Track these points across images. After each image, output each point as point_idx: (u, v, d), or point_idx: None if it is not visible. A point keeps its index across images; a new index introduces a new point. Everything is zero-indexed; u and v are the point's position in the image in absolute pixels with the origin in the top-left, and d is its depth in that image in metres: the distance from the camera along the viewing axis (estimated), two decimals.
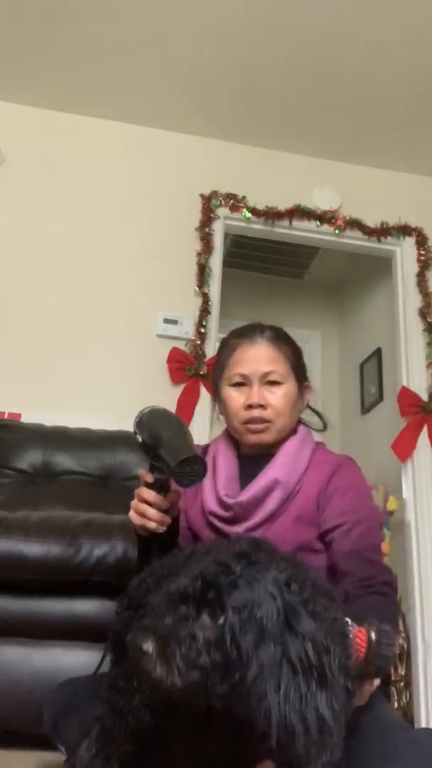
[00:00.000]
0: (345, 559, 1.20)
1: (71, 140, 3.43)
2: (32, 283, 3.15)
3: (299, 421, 1.43)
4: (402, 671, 3.12)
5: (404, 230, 3.61)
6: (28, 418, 2.83)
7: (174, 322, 3.21)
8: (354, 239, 3.60)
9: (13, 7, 2.90)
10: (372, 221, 3.59)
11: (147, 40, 3.02)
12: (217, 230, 3.42)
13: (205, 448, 1.45)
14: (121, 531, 1.74)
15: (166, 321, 3.21)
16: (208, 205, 3.42)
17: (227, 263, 3.75)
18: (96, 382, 3.04)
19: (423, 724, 2.89)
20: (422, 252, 3.60)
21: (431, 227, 3.65)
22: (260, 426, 1.34)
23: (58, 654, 1.68)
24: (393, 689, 3.08)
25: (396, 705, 3.05)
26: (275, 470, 1.31)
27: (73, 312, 3.14)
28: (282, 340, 1.40)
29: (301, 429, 1.41)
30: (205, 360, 3.15)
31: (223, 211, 3.45)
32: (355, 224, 3.56)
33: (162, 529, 1.15)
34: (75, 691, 1.23)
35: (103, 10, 2.88)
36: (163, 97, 3.35)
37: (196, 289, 3.29)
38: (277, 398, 1.34)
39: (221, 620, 0.74)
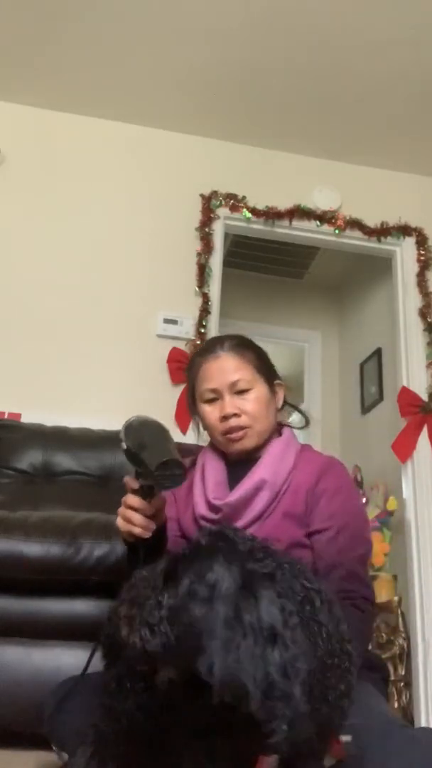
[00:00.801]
0: (328, 569, 1.22)
1: (71, 140, 3.43)
2: (32, 283, 3.15)
3: (282, 424, 1.47)
4: (402, 671, 3.12)
5: (404, 230, 3.61)
6: (28, 418, 2.83)
7: (174, 322, 3.21)
8: (354, 239, 3.61)
9: (13, 7, 2.90)
10: (372, 221, 3.59)
11: (147, 40, 3.02)
12: (217, 230, 3.42)
13: (194, 459, 1.48)
14: None
15: (166, 321, 3.21)
16: (208, 205, 3.42)
17: (227, 263, 3.75)
18: (96, 382, 3.04)
19: (423, 724, 2.89)
20: (422, 252, 3.60)
21: (431, 227, 3.66)
22: (240, 433, 1.36)
23: (58, 654, 1.68)
24: (393, 689, 3.08)
25: (396, 705, 3.05)
26: (262, 471, 1.33)
27: (73, 312, 3.14)
28: (243, 346, 1.43)
29: (286, 431, 1.44)
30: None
31: (223, 211, 3.46)
32: (355, 224, 3.56)
33: (147, 534, 1.17)
34: (73, 692, 1.23)
35: (103, 10, 2.88)
36: (163, 97, 3.36)
37: (196, 289, 3.29)
38: (250, 404, 1.37)
39: (179, 588, 0.79)
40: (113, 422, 2.64)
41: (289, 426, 1.48)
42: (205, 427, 1.43)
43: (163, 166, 3.49)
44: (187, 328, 3.21)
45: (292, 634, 0.76)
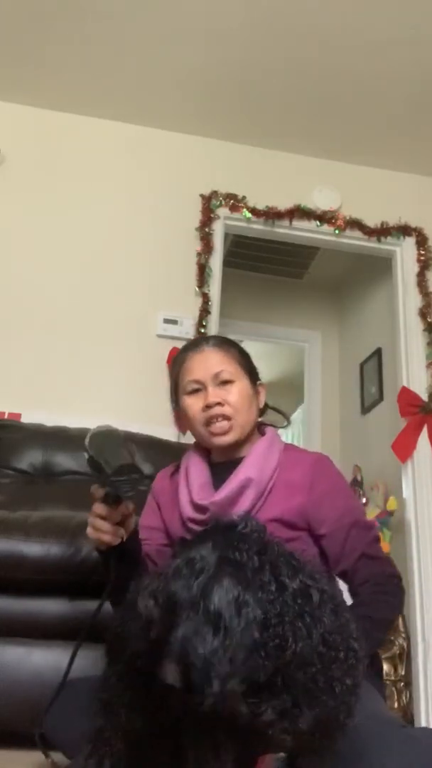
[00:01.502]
0: (355, 563, 1.27)
1: (71, 140, 3.43)
2: (32, 283, 3.15)
3: (265, 424, 1.49)
4: (402, 671, 3.12)
5: (404, 230, 3.61)
6: (28, 418, 2.83)
7: (174, 322, 3.21)
8: (354, 239, 3.61)
9: (13, 7, 2.90)
10: (372, 221, 3.59)
11: (147, 40, 3.02)
12: (217, 230, 3.42)
13: (178, 464, 1.49)
14: None
15: (166, 321, 3.21)
16: (208, 205, 3.42)
17: (227, 263, 3.76)
18: (96, 382, 3.04)
19: (423, 724, 2.89)
20: (422, 252, 3.60)
21: (431, 227, 3.66)
22: (223, 425, 1.37)
23: (58, 654, 1.67)
24: (393, 689, 3.08)
25: (396, 705, 3.05)
26: (247, 470, 1.34)
27: (73, 312, 3.14)
28: (228, 344, 1.46)
29: (269, 430, 1.46)
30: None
31: (223, 211, 3.46)
32: (355, 224, 3.56)
33: (116, 541, 1.21)
34: (76, 694, 1.23)
35: (103, 10, 2.88)
36: (163, 97, 3.36)
37: (196, 289, 3.29)
38: (233, 395, 1.38)
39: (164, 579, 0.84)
40: (113, 422, 2.66)
41: (272, 426, 1.49)
42: (187, 424, 1.44)
43: (163, 166, 3.49)
44: (187, 328, 3.21)
45: (238, 624, 0.79)
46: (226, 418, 1.37)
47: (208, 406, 1.37)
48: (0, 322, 3.06)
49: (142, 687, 0.94)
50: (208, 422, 1.37)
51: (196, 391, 1.40)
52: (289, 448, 1.44)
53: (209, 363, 1.40)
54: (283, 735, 0.81)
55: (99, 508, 1.19)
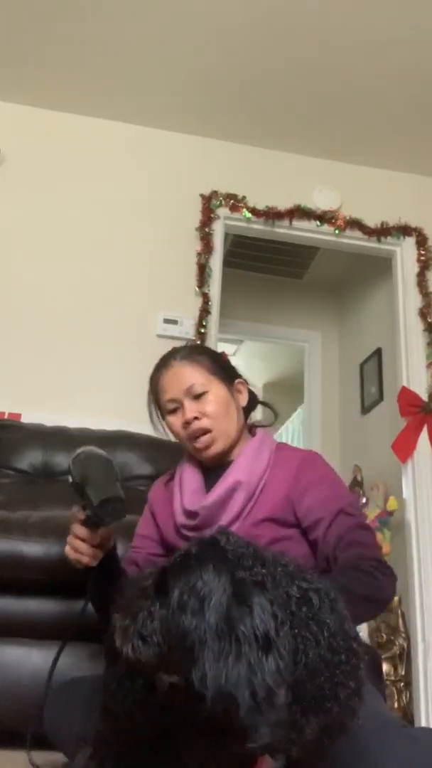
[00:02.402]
0: (333, 549, 1.24)
1: (71, 140, 3.43)
2: (32, 283, 3.15)
3: (255, 425, 1.49)
4: (402, 671, 3.12)
5: (404, 230, 3.61)
6: (28, 418, 2.83)
7: (174, 322, 3.21)
8: (354, 239, 3.61)
9: (13, 7, 2.90)
10: (372, 221, 3.59)
11: (147, 40, 3.02)
12: (217, 230, 3.42)
13: (173, 473, 1.50)
14: (121, 532, 1.74)
15: (166, 321, 3.21)
16: (208, 205, 3.42)
17: (227, 263, 3.76)
18: (96, 382, 3.04)
19: (423, 724, 2.89)
20: (422, 252, 3.60)
21: (431, 227, 3.66)
22: (205, 439, 1.38)
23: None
24: (393, 689, 3.08)
25: (396, 705, 3.05)
26: (236, 472, 1.34)
27: (73, 312, 3.14)
28: (196, 352, 1.47)
29: (259, 432, 1.46)
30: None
31: (223, 211, 3.46)
32: (355, 224, 3.56)
33: (94, 562, 1.23)
34: (76, 694, 1.24)
35: (103, 10, 2.89)
36: (163, 97, 3.36)
37: (196, 289, 3.29)
38: (208, 405, 1.38)
39: (167, 600, 0.79)
40: (113, 422, 2.67)
41: (261, 426, 1.49)
42: (177, 439, 1.45)
43: (163, 166, 3.49)
44: (187, 328, 3.21)
45: (283, 643, 0.76)
46: (207, 431, 1.37)
47: (187, 423, 1.38)
48: (0, 322, 3.06)
49: (142, 690, 0.95)
50: (191, 438, 1.39)
51: (175, 409, 1.41)
52: (281, 447, 1.43)
53: (180, 379, 1.40)
54: (289, 746, 0.81)
55: (79, 530, 1.21)
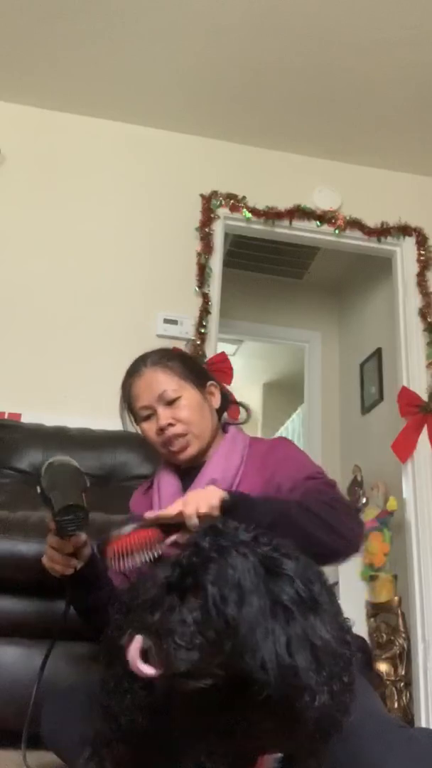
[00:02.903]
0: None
1: (71, 140, 3.43)
2: (32, 283, 3.15)
3: (227, 423, 1.50)
4: (402, 671, 3.12)
5: (404, 230, 3.61)
6: (28, 418, 2.83)
7: (174, 322, 3.21)
8: (354, 239, 3.61)
9: (13, 7, 2.90)
10: (372, 221, 3.59)
11: (147, 39, 3.02)
12: (217, 230, 3.42)
13: (152, 481, 1.50)
14: None
15: (166, 321, 3.21)
16: (208, 205, 3.42)
17: (227, 263, 3.76)
18: (96, 382, 3.04)
19: (423, 724, 2.89)
20: (422, 252, 3.60)
21: (431, 227, 3.66)
22: (180, 442, 1.39)
23: (58, 654, 1.67)
24: (393, 689, 3.08)
25: (396, 705, 3.05)
26: (211, 471, 1.35)
27: (73, 312, 3.14)
28: (166, 357, 1.47)
29: (231, 429, 1.47)
30: (206, 360, 3.15)
31: (223, 211, 3.46)
32: (355, 224, 3.56)
33: (69, 571, 1.24)
34: (73, 702, 1.23)
35: (103, 10, 2.88)
36: (163, 97, 3.36)
37: (196, 289, 3.29)
38: (181, 411, 1.39)
39: (203, 598, 0.78)
40: (113, 422, 2.66)
41: (233, 423, 1.50)
42: (151, 446, 1.45)
43: (163, 166, 3.49)
44: (187, 328, 3.21)
45: (324, 601, 0.78)
46: (181, 435, 1.38)
47: (161, 429, 1.39)
48: (0, 321, 3.06)
49: (141, 690, 0.95)
50: (165, 444, 1.40)
51: (148, 416, 1.41)
52: (253, 442, 1.44)
53: (152, 386, 1.41)
54: (282, 739, 0.81)
55: (51, 539, 1.22)
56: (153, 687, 0.92)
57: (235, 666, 0.75)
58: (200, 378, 1.47)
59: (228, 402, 1.53)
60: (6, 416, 2.85)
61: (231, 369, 3.20)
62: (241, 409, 1.55)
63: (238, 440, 1.42)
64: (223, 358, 3.25)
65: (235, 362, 4.39)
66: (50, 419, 2.72)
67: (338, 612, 0.82)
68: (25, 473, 2.51)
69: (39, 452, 2.54)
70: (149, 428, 1.42)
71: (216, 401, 1.49)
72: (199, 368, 1.52)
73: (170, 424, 1.38)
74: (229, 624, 0.75)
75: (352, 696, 0.81)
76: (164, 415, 1.38)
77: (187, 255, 3.34)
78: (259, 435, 3.22)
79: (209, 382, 1.49)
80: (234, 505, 1.10)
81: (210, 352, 3.20)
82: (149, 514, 1.15)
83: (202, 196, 3.44)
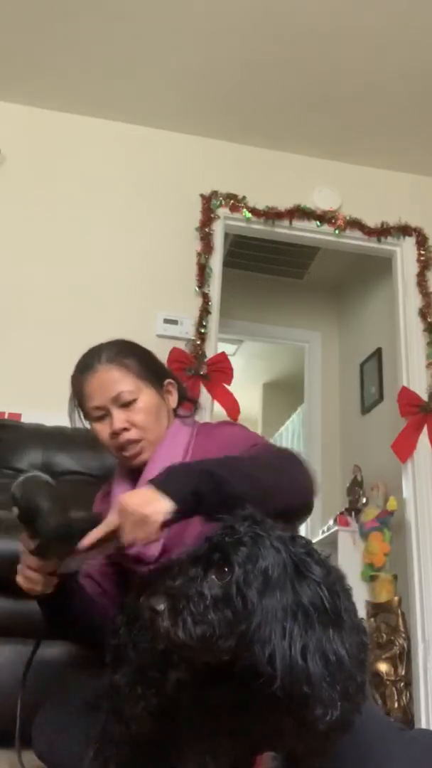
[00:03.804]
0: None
1: (71, 140, 3.43)
2: (32, 283, 3.15)
3: (176, 415, 1.41)
4: (402, 671, 3.12)
5: (404, 230, 3.61)
6: (28, 418, 2.83)
7: (174, 322, 3.21)
8: (354, 239, 3.61)
9: (13, 7, 2.90)
10: (372, 221, 3.59)
11: (147, 39, 3.02)
12: (217, 230, 3.42)
13: (108, 487, 1.43)
14: None
15: (166, 321, 3.21)
16: (208, 205, 3.42)
17: (227, 263, 3.76)
18: None
19: (423, 724, 2.89)
20: (422, 252, 3.60)
21: (431, 227, 3.66)
22: (134, 447, 1.31)
23: (58, 654, 1.67)
24: (393, 689, 3.08)
25: (396, 705, 3.05)
26: (150, 476, 1.25)
27: (73, 312, 3.14)
28: (123, 354, 1.36)
29: (174, 423, 1.37)
30: (205, 360, 3.15)
31: (223, 211, 3.45)
32: (355, 224, 3.56)
33: (50, 590, 1.15)
34: (71, 712, 1.21)
35: (103, 10, 2.88)
36: (163, 97, 3.36)
37: (196, 289, 3.29)
38: (137, 414, 1.30)
39: (228, 576, 0.77)
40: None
41: (179, 416, 1.41)
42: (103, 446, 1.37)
43: (163, 166, 3.49)
44: (187, 328, 3.21)
45: (346, 614, 0.77)
46: (135, 441, 1.30)
47: (115, 433, 1.30)
48: (0, 322, 3.06)
49: (154, 698, 0.95)
50: (118, 449, 1.32)
51: (101, 417, 1.32)
52: (202, 429, 1.36)
53: (106, 385, 1.31)
54: (293, 741, 0.81)
55: (30, 560, 1.13)
56: (166, 694, 0.93)
57: (242, 653, 0.75)
58: (158, 377, 1.38)
59: (184, 398, 1.45)
60: (6, 416, 2.85)
61: (231, 369, 3.20)
62: (192, 405, 1.47)
63: (179, 436, 1.33)
64: (223, 358, 3.25)
65: (235, 362, 4.39)
66: (50, 419, 2.71)
67: (360, 630, 0.81)
68: (25, 473, 2.51)
69: (39, 452, 2.55)
70: (102, 430, 1.32)
71: (173, 400, 1.40)
72: (157, 365, 1.42)
73: (125, 429, 1.29)
74: (246, 607, 0.75)
75: (365, 697, 0.80)
76: (119, 418, 1.29)
77: (187, 255, 3.33)
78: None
79: (167, 381, 1.40)
80: (184, 510, 1.00)
81: (210, 352, 3.20)
82: (85, 542, 1.06)
83: (202, 196, 3.43)
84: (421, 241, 3.62)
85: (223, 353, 3.32)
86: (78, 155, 3.42)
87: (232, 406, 3.08)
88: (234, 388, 3.17)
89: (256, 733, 0.83)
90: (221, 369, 3.16)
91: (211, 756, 0.85)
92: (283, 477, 1.11)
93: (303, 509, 1.13)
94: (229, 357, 3.37)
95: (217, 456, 1.11)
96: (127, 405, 1.31)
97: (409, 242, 3.63)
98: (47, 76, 3.26)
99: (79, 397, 1.39)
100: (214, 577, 0.78)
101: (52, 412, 2.84)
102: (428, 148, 3.59)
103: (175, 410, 1.41)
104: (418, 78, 3.15)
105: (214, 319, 3.29)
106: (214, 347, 3.26)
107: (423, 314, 3.49)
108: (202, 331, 3.20)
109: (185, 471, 1.05)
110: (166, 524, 0.99)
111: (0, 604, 1.70)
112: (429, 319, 3.48)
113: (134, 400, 1.31)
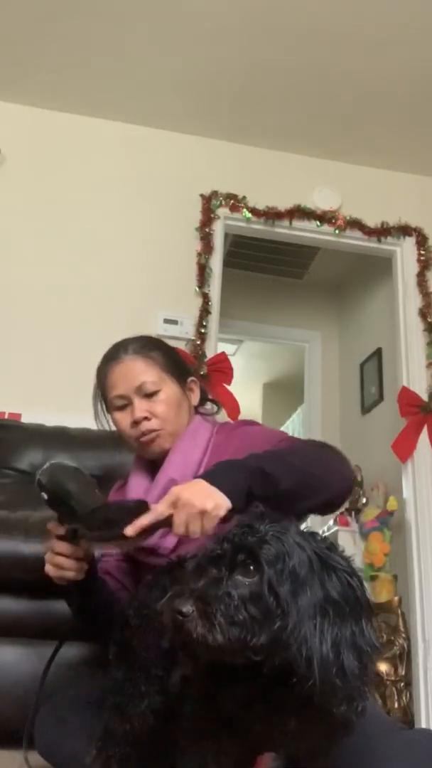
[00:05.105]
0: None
1: (71, 140, 3.43)
2: (32, 284, 3.15)
3: (197, 412, 1.42)
4: (402, 671, 3.12)
5: (404, 230, 3.61)
6: (28, 418, 2.83)
7: (174, 322, 3.21)
8: (354, 239, 3.61)
9: (13, 7, 2.90)
10: (372, 221, 3.59)
11: (147, 39, 3.02)
12: (217, 230, 3.42)
13: (125, 480, 1.44)
14: None
15: (166, 321, 3.20)
16: (208, 205, 3.42)
17: (227, 263, 3.76)
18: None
19: (423, 724, 2.89)
20: (422, 252, 3.60)
21: (431, 227, 3.66)
22: (152, 436, 1.31)
23: (58, 654, 1.67)
24: (393, 689, 3.08)
25: (396, 705, 3.05)
26: (170, 471, 1.29)
27: (73, 312, 3.14)
28: (149, 347, 1.39)
29: (195, 419, 1.38)
30: (206, 360, 3.15)
31: (223, 211, 3.46)
32: (355, 224, 3.56)
33: (81, 576, 1.15)
34: (74, 711, 1.21)
35: (103, 10, 2.88)
36: (163, 97, 3.36)
37: (196, 289, 3.29)
38: (159, 406, 1.32)
39: (257, 576, 0.76)
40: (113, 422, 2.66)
41: (200, 413, 1.42)
42: (121, 437, 1.39)
43: (163, 166, 3.49)
44: (187, 328, 3.21)
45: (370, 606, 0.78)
46: (154, 431, 1.31)
47: (135, 422, 1.31)
48: (0, 322, 3.06)
49: (157, 696, 0.95)
50: (137, 437, 1.33)
51: (123, 406, 1.34)
52: (219, 430, 1.37)
53: (131, 375, 1.34)
54: (298, 741, 0.81)
55: (62, 546, 1.13)
56: (170, 693, 0.93)
57: (278, 653, 0.74)
58: (182, 373, 1.40)
59: (206, 399, 1.47)
60: (6, 416, 2.85)
61: (231, 369, 3.20)
62: (211, 405, 1.48)
63: (200, 432, 1.34)
64: (223, 358, 3.25)
65: (235, 362, 4.39)
66: (50, 419, 2.71)
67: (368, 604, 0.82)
68: (25, 473, 2.51)
69: (39, 452, 2.54)
70: (122, 419, 1.34)
71: (195, 398, 1.42)
72: (181, 362, 1.44)
73: (146, 418, 1.31)
74: (280, 605, 0.74)
75: (366, 699, 0.80)
76: (140, 407, 1.31)
77: (187, 255, 3.33)
78: None
79: (190, 378, 1.42)
80: (238, 506, 0.99)
81: (210, 352, 3.20)
82: (129, 530, 1.03)
83: (202, 196, 3.43)
84: (421, 241, 3.62)
85: (223, 353, 3.32)
86: (78, 155, 3.42)
87: (232, 406, 3.07)
88: (234, 388, 3.17)
89: (259, 733, 0.83)
90: (221, 369, 3.16)
91: (213, 755, 0.85)
92: (326, 467, 1.13)
93: (346, 496, 1.16)
94: (229, 357, 3.37)
95: (236, 454, 1.12)
96: (149, 396, 1.32)
97: (409, 242, 3.63)
98: (47, 76, 3.26)
99: (102, 387, 1.41)
100: (240, 577, 0.77)
101: (52, 412, 2.85)
102: (428, 148, 3.59)
103: (196, 408, 1.42)
104: (418, 78, 3.15)
105: (214, 319, 3.29)
106: (214, 347, 3.26)
107: (423, 314, 3.49)
108: (202, 331, 3.20)
109: (235, 467, 1.05)
110: (222, 520, 0.99)
111: (1, 605, 1.70)
112: (429, 319, 3.48)
113: (157, 392, 1.33)
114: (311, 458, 1.13)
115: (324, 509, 1.15)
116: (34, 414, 2.81)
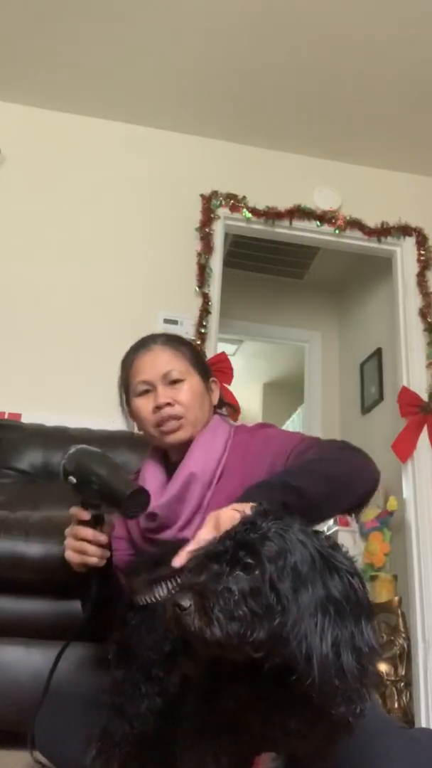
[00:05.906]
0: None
1: (71, 140, 3.43)
2: (32, 283, 3.15)
3: (217, 413, 1.44)
4: (402, 671, 3.12)
5: (404, 230, 3.61)
6: (28, 418, 2.83)
7: (174, 322, 3.21)
8: (354, 239, 3.61)
9: (13, 7, 2.90)
10: (372, 221, 3.59)
11: (147, 40, 3.02)
12: (218, 230, 3.42)
13: (138, 471, 1.44)
14: None
15: (166, 321, 3.20)
16: (208, 205, 3.42)
17: (227, 263, 3.76)
18: (96, 382, 3.03)
19: (423, 724, 2.89)
20: (422, 252, 3.60)
21: (431, 227, 3.66)
22: (173, 424, 1.32)
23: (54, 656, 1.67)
24: (393, 689, 3.08)
25: (396, 705, 3.05)
26: (190, 465, 1.29)
27: (73, 312, 3.14)
28: (178, 341, 1.42)
29: (214, 418, 1.40)
30: (206, 360, 3.15)
31: (223, 211, 3.46)
32: (355, 224, 3.57)
33: (102, 562, 1.16)
34: (73, 710, 1.21)
35: (103, 10, 2.89)
36: (163, 97, 3.36)
37: (196, 289, 3.29)
38: (183, 393, 1.33)
39: (258, 571, 0.76)
40: (113, 422, 2.66)
41: (219, 413, 1.44)
42: (140, 426, 1.39)
43: (163, 166, 3.49)
44: (187, 328, 3.20)
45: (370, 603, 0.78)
46: (177, 417, 1.32)
47: (158, 407, 1.32)
48: (0, 322, 3.06)
49: (156, 696, 0.95)
50: (159, 423, 1.33)
51: (146, 392, 1.35)
52: (238, 431, 1.38)
53: (158, 362, 1.35)
54: (298, 741, 0.81)
55: (86, 531, 1.13)
56: (168, 691, 0.93)
57: (277, 651, 0.74)
58: (206, 371, 1.42)
59: (222, 404, 1.48)
60: (6, 416, 2.85)
61: (231, 369, 3.20)
62: (226, 408, 1.50)
63: (219, 430, 1.35)
64: (223, 358, 3.25)
65: (235, 362, 4.39)
66: (50, 419, 2.71)
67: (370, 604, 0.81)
68: (25, 473, 2.51)
69: (39, 452, 2.55)
70: (144, 404, 1.34)
71: (215, 398, 1.44)
72: (205, 363, 1.46)
73: (168, 404, 1.31)
74: (280, 602, 0.74)
75: (366, 700, 0.80)
76: (164, 393, 1.32)
77: (187, 255, 3.34)
78: None
79: (211, 378, 1.44)
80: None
81: (210, 352, 3.20)
82: (177, 561, 0.97)
83: (202, 196, 3.44)
84: (421, 241, 3.62)
85: (223, 353, 3.32)
86: (78, 155, 3.42)
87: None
88: (234, 388, 3.17)
89: (259, 733, 0.83)
90: (221, 369, 3.16)
91: (213, 755, 0.85)
92: (353, 469, 1.17)
93: (371, 494, 1.20)
94: (229, 357, 3.37)
95: (260, 453, 1.18)
96: (174, 383, 1.34)
97: (409, 242, 3.63)
98: (47, 76, 3.26)
99: (127, 375, 1.41)
100: (240, 572, 0.77)
101: (52, 412, 2.86)
102: (428, 148, 3.59)
103: (215, 409, 1.44)
104: (418, 78, 3.15)
105: (214, 319, 3.29)
106: (214, 347, 3.26)
107: (423, 314, 3.50)
108: (202, 331, 3.20)
109: (267, 487, 1.06)
110: None
111: (1, 605, 1.70)
112: (429, 319, 3.48)
113: (182, 381, 1.34)
114: (337, 463, 1.16)
115: (351, 510, 1.19)
116: (34, 414, 2.81)
